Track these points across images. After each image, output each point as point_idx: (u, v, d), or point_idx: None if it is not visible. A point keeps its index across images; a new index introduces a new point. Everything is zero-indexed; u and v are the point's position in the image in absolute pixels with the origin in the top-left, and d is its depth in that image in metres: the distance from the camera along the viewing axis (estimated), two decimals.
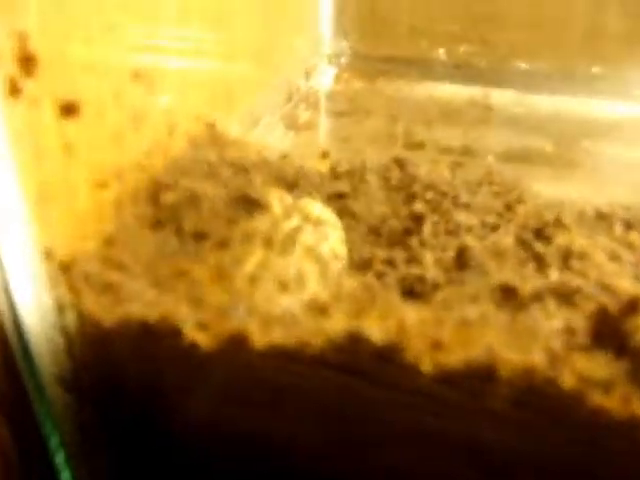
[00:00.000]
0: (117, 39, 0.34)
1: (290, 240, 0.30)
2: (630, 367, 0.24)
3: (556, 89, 0.56)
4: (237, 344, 0.27)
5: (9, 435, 0.31)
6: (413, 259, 0.32)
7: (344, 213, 0.35)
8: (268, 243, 0.30)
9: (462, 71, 0.60)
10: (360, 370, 0.27)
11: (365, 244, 0.33)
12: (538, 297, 0.28)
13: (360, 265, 0.32)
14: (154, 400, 0.32)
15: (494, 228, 0.34)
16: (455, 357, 0.25)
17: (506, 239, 0.33)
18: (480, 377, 0.25)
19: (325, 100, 0.61)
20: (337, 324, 0.27)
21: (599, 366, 0.25)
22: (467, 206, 0.36)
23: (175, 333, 0.28)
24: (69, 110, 0.30)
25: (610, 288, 0.28)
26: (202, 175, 0.38)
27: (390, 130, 0.52)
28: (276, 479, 0.33)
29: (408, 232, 0.34)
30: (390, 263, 0.31)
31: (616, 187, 0.42)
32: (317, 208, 0.32)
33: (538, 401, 0.25)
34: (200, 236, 0.34)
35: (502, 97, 0.56)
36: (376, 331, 0.26)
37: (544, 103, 0.55)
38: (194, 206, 0.35)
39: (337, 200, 0.36)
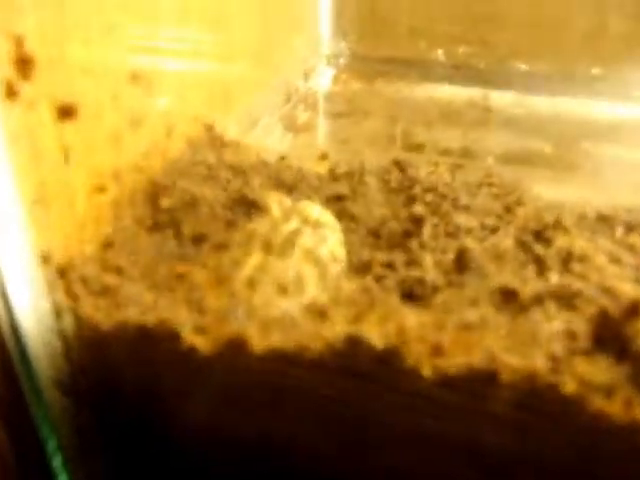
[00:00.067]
0: (115, 41, 0.33)
1: (289, 243, 0.30)
2: (631, 371, 0.24)
3: (556, 90, 0.56)
4: (236, 348, 0.27)
5: (6, 438, 0.31)
6: (413, 261, 0.31)
7: (343, 215, 0.35)
8: (267, 246, 0.30)
9: (461, 72, 0.60)
10: (360, 374, 0.27)
11: (364, 247, 0.33)
12: (538, 300, 0.28)
13: (359, 268, 0.32)
14: (151, 404, 0.32)
15: (494, 230, 0.34)
16: (455, 361, 0.25)
17: (506, 241, 0.32)
18: (481, 381, 0.25)
19: (324, 101, 0.61)
20: (336, 328, 0.27)
21: (600, 370, 0.25)
22: (467, 208, 0.35)
23: (173, 337, 0.28)
24: (66, 112, 0.29)
25: (611, 291, 0.28)
26: (200, 177, 0.38)
27: (389, 131, 0.52)
28: None
29: (407, 234, 0.34)
30: (389, 266, 0.31)
31: (617, 189, 0.42)
32: (316, 210, 0.32)
33: (539, 405, 0.25)
34: (198, 239, 0.34)
35: (502, 98, 0.56)
36: (376, 335, 0.26)
37: (544, 104, 0.55)
38: (192, 209, 0.35)
39: (336, 202, 0.36)
